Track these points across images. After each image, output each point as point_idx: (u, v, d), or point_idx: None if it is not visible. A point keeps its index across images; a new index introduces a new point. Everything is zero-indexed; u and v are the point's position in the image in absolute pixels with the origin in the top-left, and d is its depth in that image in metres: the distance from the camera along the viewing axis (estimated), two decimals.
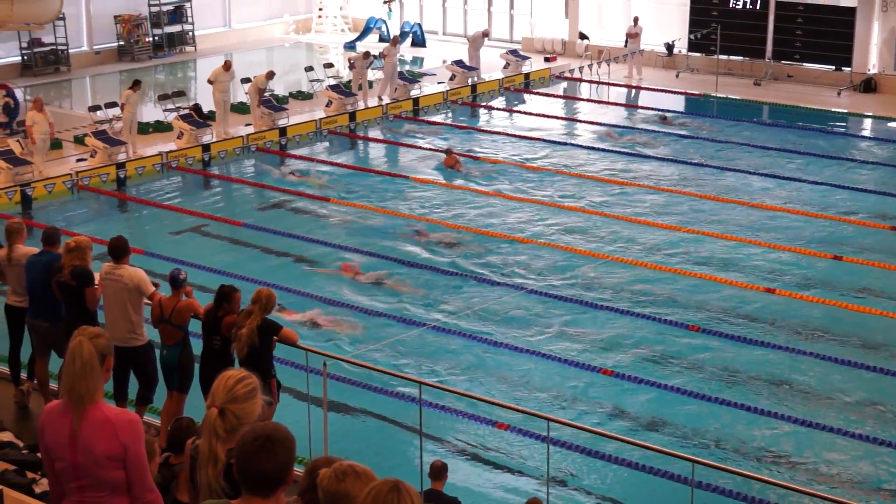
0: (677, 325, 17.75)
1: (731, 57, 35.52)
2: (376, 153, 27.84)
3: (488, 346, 17.11)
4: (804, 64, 34.87)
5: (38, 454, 9.44)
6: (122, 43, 38.19)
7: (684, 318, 17.98)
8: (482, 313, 18.30)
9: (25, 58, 35.57)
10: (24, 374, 13.99)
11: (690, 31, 35.93)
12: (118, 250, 12.47)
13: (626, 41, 35.87)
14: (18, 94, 29.08)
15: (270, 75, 28.84)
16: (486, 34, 35.45)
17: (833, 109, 31.86)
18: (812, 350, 16.87)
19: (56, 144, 26.30)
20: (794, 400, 15.54)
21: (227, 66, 28.06)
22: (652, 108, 31.86)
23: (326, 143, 29.04)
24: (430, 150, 27.87)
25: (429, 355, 16.85)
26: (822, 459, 14.13)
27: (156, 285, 12.72)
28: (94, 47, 37.84)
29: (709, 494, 12.71)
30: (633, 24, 35.73)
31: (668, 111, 31.16)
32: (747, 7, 35.12)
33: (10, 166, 24.03)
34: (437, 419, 14.75)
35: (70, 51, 36.47)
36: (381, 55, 32.35)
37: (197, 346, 12.68)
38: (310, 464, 5.61)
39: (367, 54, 32.29)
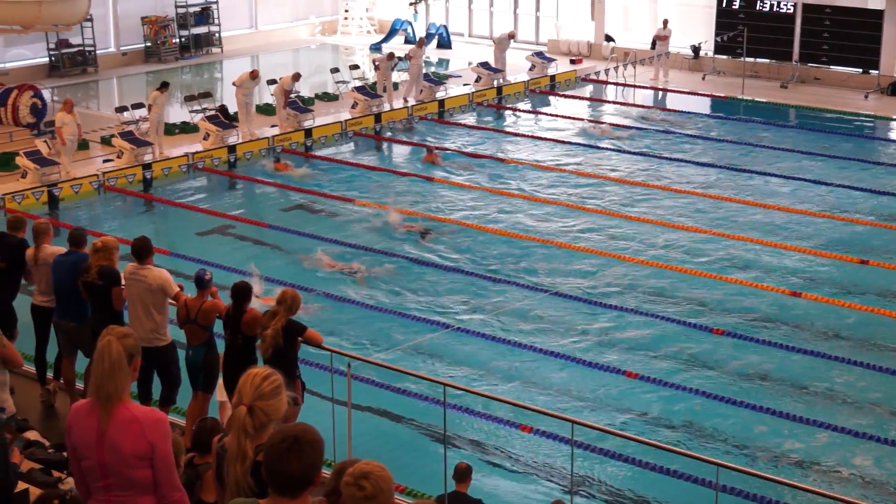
0: (702, 328, 17.69)
1: (758, 59, 35.40)
2: (400, 154, 27.84)
3: (512, 348, 17.09)
4: (831, 67, 34.71)
5: (65, 453, 9.49)
6: (148, 44, 38.35)
7: (709, 322, 17.92)
8: (507, 316, 18.29)
9: (53, 59, 35.77)
10: (50, 374, 14.08)
11: (717, 34, 35.83)
12: (141, 250, 12.51)
13: (654, 43, 35.78)
14: (46, 94, 29.22)
15: (297, 77, 28.91)
16: (511, 36, 35.43)
17: (860, 112, 31.69)
18: (838, 354, 16.79)
19: (83, 145, 26.43)
20: (820, 404, 15.47)
21: (255, 74, 28.15)
22: (675, 110, 31.82)
23: (351, 145, 29.06)
24: (455, 151, 27.91)
25: (453, 357, 16.84)
26: (848, 464, 14.06)
27: (180, 287, 12.76)
28: (121, 48, 38.01)
29: (733, 498, 12.66)
30: (662, 26, 35.63)
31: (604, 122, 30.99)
32: (774, 9, 35.00)
33: (38, 167, 24.16)
34: (461, 421, 14.75)
35: (97, 52, 36.64)
36: (407, 57, 32.40)
37: (220, 346, 12.71)
38: (337, 466, 5.64)
39: (391, 55, 32.32)
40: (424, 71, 32.90)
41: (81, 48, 36.20)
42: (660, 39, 35.43)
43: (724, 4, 35.70)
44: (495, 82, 33.74)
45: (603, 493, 13.40)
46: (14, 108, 27.94)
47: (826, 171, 26.10)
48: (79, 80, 35.51)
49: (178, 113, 30.43)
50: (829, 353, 16.81)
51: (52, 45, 35.64)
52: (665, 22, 35.66)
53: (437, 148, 27.67)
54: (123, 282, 12.48)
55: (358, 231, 22.19)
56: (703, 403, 15.37)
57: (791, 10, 34.62)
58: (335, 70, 33.97)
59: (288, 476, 4.98)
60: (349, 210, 23.51)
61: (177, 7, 38.70)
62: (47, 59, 35.79)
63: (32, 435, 10.83)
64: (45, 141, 25.49)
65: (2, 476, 6.38)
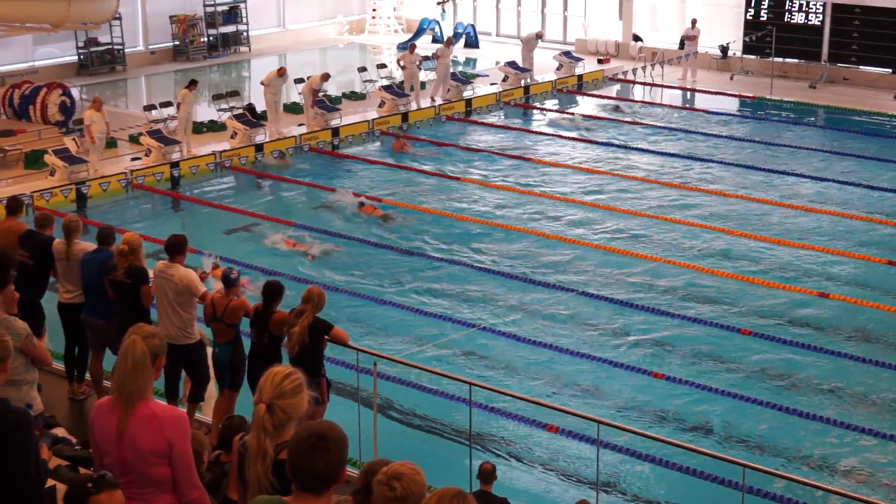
0: (729, 328, 17.62)
1: (787, 59, 35.24)
2: (429, 153, 27.83)
3: (538, 347, 17.06)
4: (860, 67, 34.53)
5: (90, 450, 9.52)
6: (177, 43, 38.50)
7: (736, 322, 17.85)
8: (533, 315, 18.27)
9: (82, 57, 35.96)
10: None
11: (745, 34, 35.69)
12: (173, 248, 12.55)
13: (683, 43, 35.67)
14: (74, 93, 29.37)
15: (326, 77, 28.97)
16: (539, 36, 35.39)
17: (890, 113, 31.49)
18: (866, 355, 16.70)
19: (111, 143, 26.54)
20: (847, 405, 15.39)
21: (282, 72, 28.25)
22: (704, 110, 31.73)
23: (378, 144, 29.08)
24: (485, 151, 27.91)
25: (479, 356, 16.83)
26: (875, 466, 13.98)
27: (205, 275, 12.77)
28: (150, 47, 38.17)
29: (759, 499, 12.61)
30: (690, 26, 35.51)
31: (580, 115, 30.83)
32: (803, 9, 34.82)
33: (66, 164, 24.29)
34: (487, 420, 14.73)
35: (126, 50, 36.83)
36: (435, 56, 32.39)
37: (247, 344, 12.74)
38: (365, 465, 5.64)
39: (412, 47, 32.27)
40: (452, 70, 32.89)
41: (110, 47, 36.37)
42: (688, 39, 35.31)
43: (752, 4, 35.52)
44: (523, 82, 33.71)
45: (628, 494, 13.37)
46: (43, 106, 28.10)
47: (854, 171, 25.96)
48: (107, 79, 35.69)
49: (205, 111, 30.52)
50: (857, 355, 16.72)
51: (80, 44, 35.82)
52: (693, 21, 35.54)
53: (406, 137, 28.48)
54: (152, 279, 12.53)
55: (387, 232, 22.22)
56: (730, 404, 15.31)
57: (820, 11, 34.43)
58: (362, 69, 34.01)
59: (312, 474, 4.98)
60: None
61: (205, 6, 38.82)
62: (76, 57, 35.98)
63: (59, 432, 10.86)
64: (74, 139, 25.63)
65: (33, 473, 6.40)
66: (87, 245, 13.30)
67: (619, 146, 28.31)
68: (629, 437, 13.64)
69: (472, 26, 42.01)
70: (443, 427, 14.77)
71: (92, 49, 36.01)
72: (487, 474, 11.46)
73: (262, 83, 28.35)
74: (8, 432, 6.26)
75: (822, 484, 12.50)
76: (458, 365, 16.29)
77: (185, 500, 6.35)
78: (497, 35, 42.77)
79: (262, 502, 5.30)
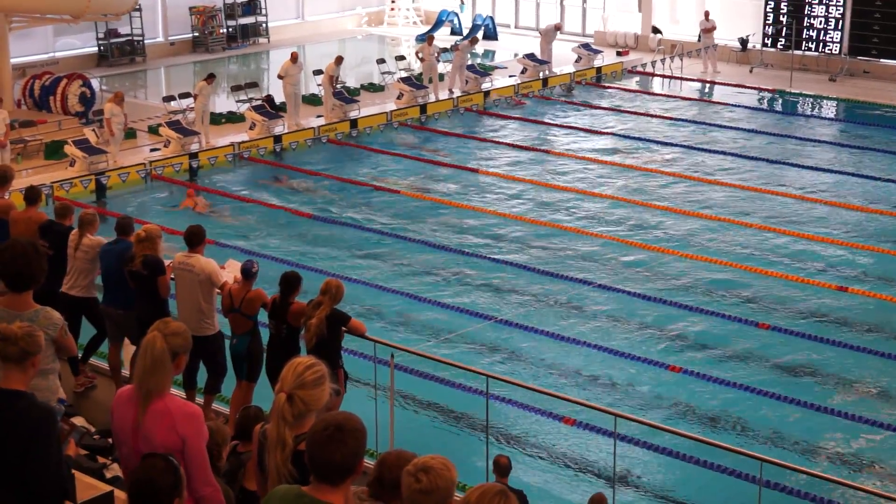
0: (748, 322, 17.59)
1: (806, 52, 35.10)
2: (446, 146, 27.85)
3: (556, 340, 17.07)
4: (881, 60, 34.37)
5: (110, 440, 9.57)
6: (196, 34, 38.59)
7: (755, 316, 17.82)
8: (551, 308, 18.27)
9: (102, 48, 36.07)
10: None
11: (765, 26, 35.56)
12: (193, 237, 12.58)
13: (700, 36, 35.57)
14: (94, 84, 29.46)
15: (339, 60, 28.93)
16: (558, 28, 35.34)
17: None
18: (885, 350, 16.65)
19: (130, 134, 26.62)
20: (866, 400, 15.35)
21: (294, 57, 28.24)
22: (723, 103, 31.66)
23: (397, 135, 29.06)
24: (503, 143, 27.90)
25: (496, 349, 16.85)
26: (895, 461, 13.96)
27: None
28: (170, 38, 38.26)
29: (777, 494, 12.59)
30: (704, 18, 35.40)
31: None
32: (823, 1, 34.66)
33: (86, 155, 24.38)
34: (504, 412, 14.75)
35: (145, 41, 36.94)
36: (454, 48, 32.33)
37: (264, 335, 12.77)
38: (380, 457, 5.66)
39: (431, 39, 32.26)
40: (470, 62, 32.85)
41: (130, 38, 36.47)
42: (705, 32, 35.20)
43: None
44: (541, 74, 33.66)
45: (645, 487, 13.36)
46: (63, 96, 28.22)
47: (875, 165, 25.87)
48: (127, 70, 35.80)
49: (224, 103, 30.57)
50: (877, 349, 16.66)
51: (101, 35, 35.94)
52: (706, 14, 35.42)
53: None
54: (172, 270, 12.56)
55: (405, 224, 22.25)
56: (748, 398, 15.27)
57: (840, 3, 34.26)
58: (381, 61, 34.02)
59: (329, 464, 5.00)
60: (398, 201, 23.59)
61: None
62: (96, 48, 36.10)
63: (78, 421, 10.93)
64: (94, 130, 25.72)
65: (54, 470, 6.43)
66: (99, 239, 13.27)
67: (639, 138, 28.25)
68: (646, 431, 13.63)
69: (491, 18, 41.96)
70: (459, 419, 14.79)
71: (112, 40, 36.11)
72: (503, 468, 11.48)
73: (279, 76, 28.38)
74: (32, 429, 6.28)
75: (841, 479, 12.46)
76: (474, 357, 16.30)
77: (198, 496, 6.36)
78: (515, 27, 42.72)
79: (281, 492, 5.32)
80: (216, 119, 28.33)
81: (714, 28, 35.01)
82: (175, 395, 6.50)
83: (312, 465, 5.06)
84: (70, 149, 24.67)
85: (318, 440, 4.99)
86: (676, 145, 27.62)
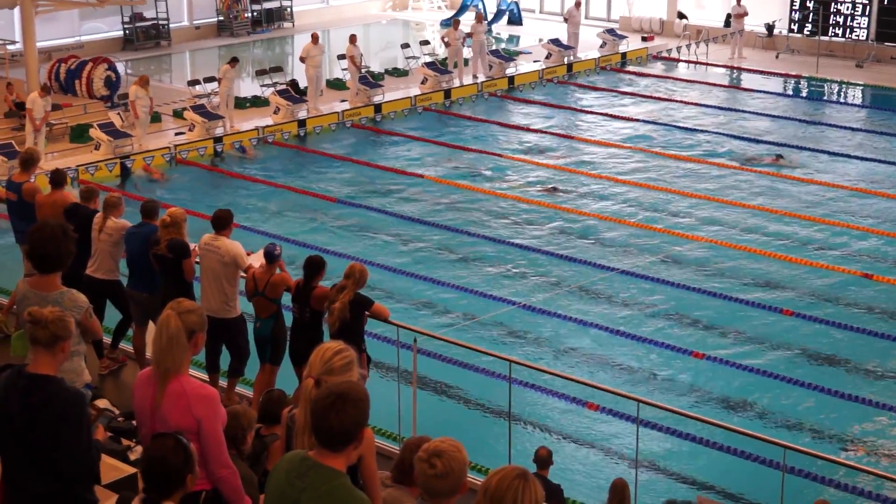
0: (772, 309, 17.53)
1: (833, 38, 34.89)
2: (471, 131, 27.81)
3: (579, 325, 17.05)
4: None
5: (134, 422, 9.60)
6: (221, 18, 38.62)
7: (779, 302, 17.76)
8: (575, 293, 18.25)
9: (127, 32, 36.15)
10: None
11: (791, 12, 35.34)
12: (220, 221, 12.59)
13: (729, 21, 35.39)
14: (120, 67, 29.54)
15: (353, 39, 28.80)
16: (577, 5, 34.97)
17: None
18: None
19: (155, 118, 26.68)
20: (891, 387, 15.29)
21: (315, 38, 28.21)
22: (749, 89, 31.50)
23: (421, 120, 29.06)
24: (527, 129, 27.86)
25: (520, 334, 16.85)
26: None
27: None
28: (194, 22, 38.32)
29: (800, 480, 12.56)
30: (736, 3, 35.19)
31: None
32: None
33: (111, 139, 24.46)
34: (527, 397, 14.74)
35: (171, 25, 37.00)
36: (469, 34, 32.23)
37: (288, 319, 12.78)
38: (405, 442, 5.68)
39: (456, 23, 32.19)
40: (494, 47, 32.76)
41: (155, 22, 36.54)
42: (736, 17, 35.01)
43: None
44: (566, 59, 33.56)
45: (667, 473, 13.35)
46: (89, 80, 28.30)
47: None
48: (152, 54, 35.87)
49: (249, 87, 30.60)
50: None
51: (126, 19, 36.02)
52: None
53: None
54: (198, 252, 12.58)
55: (429, 208, 22.25)
56: (771, 385, 15.23)
57: None
58: (405, 45, 33.98)
59: (329, 430, 5.03)
60: (421, 186, 23.59)
61: None
62: (121, 32, 36.17)
63: (103, 403, 10.96)
64: (119, 113, 25.81)
65: (84, 454, 6.46)
66: (124, 223, 13.29)
67: (664, 124, 28.16)
68: (669, 416, 13.61)
69: (516, 3, 41.84)
70: (483, 404, 14.80)
71: (137, 24, 36.19)
72: (543, 460, 11.45)
73: (301, 58, 28.37)
74: (61, 413, 6.30)
75: (864, 466, 12.43)
76: (497, 342, 16.31)
77: (214, 478, 6.39)
78: (540, 12, 42.60)
79: (289, 456, 5.39)
80: (241, 103, 28.37)
81: (746, 14, 34.81)
82: (194, 377, 6.53)
83: (315, 431, 5.10)
84: (95, 132, 24.76)
85: (320, 407, 5.03)
86: (702, 131, 27.51)
